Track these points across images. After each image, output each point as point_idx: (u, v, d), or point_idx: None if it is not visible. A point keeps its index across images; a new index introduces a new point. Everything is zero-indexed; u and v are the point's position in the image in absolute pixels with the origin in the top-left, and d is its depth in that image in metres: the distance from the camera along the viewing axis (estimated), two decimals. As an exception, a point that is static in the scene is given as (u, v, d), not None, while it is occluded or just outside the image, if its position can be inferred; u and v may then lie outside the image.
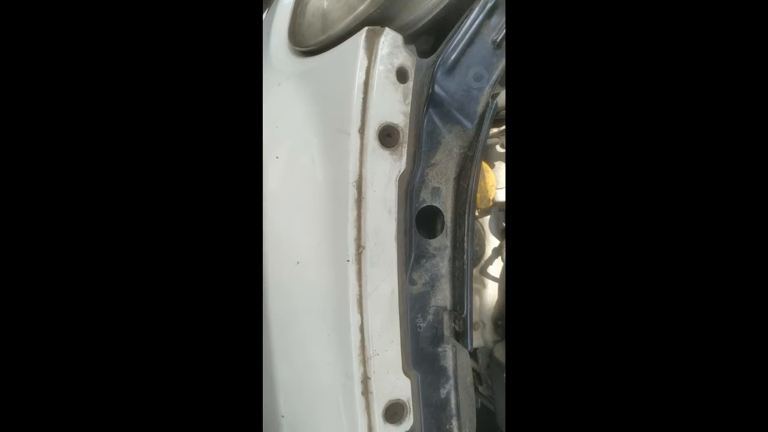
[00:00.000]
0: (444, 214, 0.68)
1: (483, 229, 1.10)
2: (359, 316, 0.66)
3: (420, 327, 0.69)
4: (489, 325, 1.10)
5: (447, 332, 0.71)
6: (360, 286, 0.65)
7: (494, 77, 0.68)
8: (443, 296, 0.70)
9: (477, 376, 1.20)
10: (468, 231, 0.65)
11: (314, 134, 0.68)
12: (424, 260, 0.68)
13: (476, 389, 1.16)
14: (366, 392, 0.67)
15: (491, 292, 1.12)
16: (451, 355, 0.71)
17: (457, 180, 0.68)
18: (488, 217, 1.10)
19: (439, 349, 0.70)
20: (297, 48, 0.80)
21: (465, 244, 0.65)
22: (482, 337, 1.11)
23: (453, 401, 0.72)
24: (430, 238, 0.67)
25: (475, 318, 1.13)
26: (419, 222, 0.67)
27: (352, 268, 0.65)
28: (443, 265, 0.69)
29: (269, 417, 0.73)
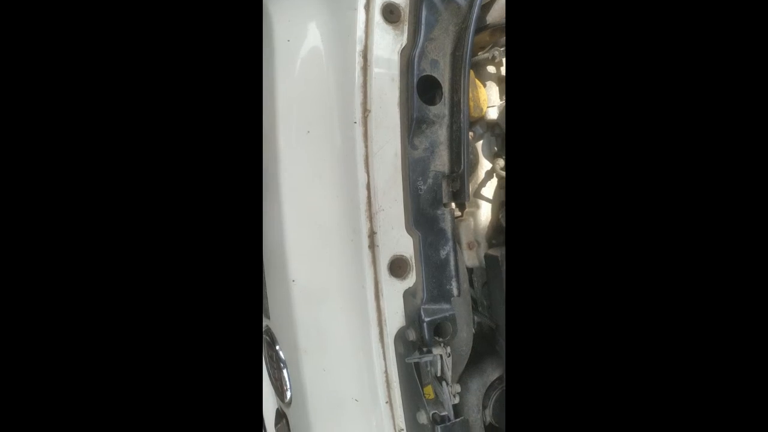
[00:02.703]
0: (442, 84, 0.75)
1: (476, 153, 1.17)
2: (366, 175, 0.72)
3: (421, 189, 0.75)
4: (483, 244, 1.16)
5: (446, 198, 0.77)
6: (366, 146, 0.72)
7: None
8: (442, 162, 0.76)
9: (474, 301, 1.25)
10: (464, 94, 0.72)
11: (325, 13, 0.75)
12: (425, 126, 0.74)
13: (474, 308, 1.21)
14: (372, 246, 0.73)
15: (485, 213, 1.18)
16: (449, 219, 0.77)
17: (453, 54, 0.75)
18: (480, 142, 1.18)
19: (438, 212, 0.77)
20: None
21: (461, 105, 0.72)
22: (477, 256, 1.17)
23: (452, 263, 0.78)
24: (430, 105, 0.74)
25: (470, 238, 1.19)
26: (420, 92, 0.74)
27: (359, 130, 0.72)
28: (442, 133, 0.76)
29: (280, 283, 0.78)
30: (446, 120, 0.76)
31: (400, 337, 0.75)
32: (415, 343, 0.77)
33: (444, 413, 0.77)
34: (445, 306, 0.77)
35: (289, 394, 0.89)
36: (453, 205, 0.78)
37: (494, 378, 1.11)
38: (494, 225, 1.18)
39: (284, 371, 0.88)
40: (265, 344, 0.96)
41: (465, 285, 0.80)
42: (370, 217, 0.72)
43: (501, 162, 1.12)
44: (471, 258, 1.17)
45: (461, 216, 1.18)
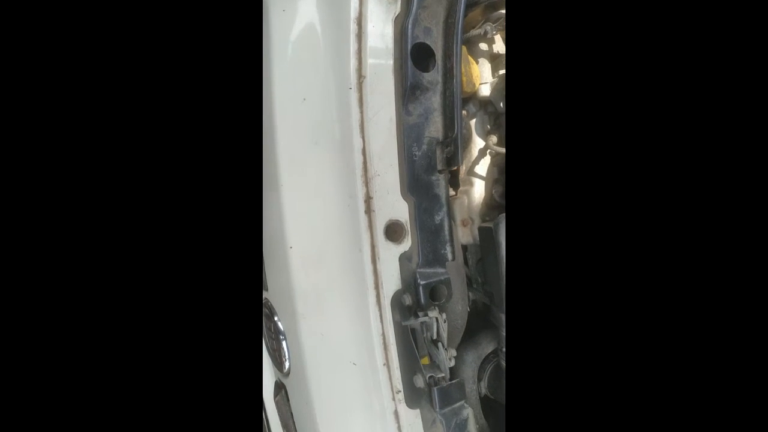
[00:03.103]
0: (435, 51, 0.76)
1: (469, 131, 1.19)
2: (361, 140, 0.73)
3: (415, 155, 0.77)
4: (477, 221, 1.18)
5: (440, 165, 0.79)
6: (361, 112, 0.73)
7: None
8: (436, 129, 0.78)
9: (468, 279, 1.27)
10: (456, 62, 0.74)
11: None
12: (419, 92, 0.76)
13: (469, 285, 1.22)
14: (368, 211, 0.74)
15: (478, 190, 1.20)
16: (443, 185, 0.79)
17: (445, 22, 0.77)
18: (474, 120, 1.19)
19: (433, 178, 0.78)
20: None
21: (454, 72, 0.74)
22: (471, 233, 1.19)
23: (446, 228, 0.79)
24: (423, 72, 0.76)
25: (464, 215, 1.20)
26: (413, 59, 0.75)
27: (354, 96, 0.73)
28: (435, 100, 0.77)
29: (278, 250, 0.79)
30: (439, 87, 0.77)
31: (397, 301, 0.77)
32: (411, 307, 0.78)
33: (441, 375, 0.78)
34: (440, 270, 0.79)
35: (287, 364, 0.91)
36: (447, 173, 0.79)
37: (489, 351, 1.13)
38: (488, 202, 1.20)
39: (283, 342, 0.89)
40: (264, 317, 0.97)
41: (459, 252, 0.82)
42: (366, 183, 0.74)
43: (494, 138, 1.14)
44: (465, 235, 1.19)
45: (455, 195, 1.19)
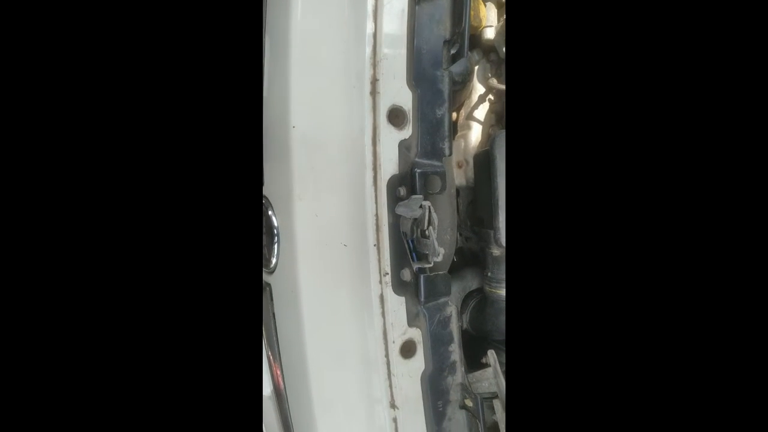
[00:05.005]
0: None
1: (471, 77, 1.23)
2: (373, 24, 0.76)
3: (423, 49, 0.80)
4: (471, 163, 1.21)
5: (445, 64, 0.82)
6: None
7: None
8: (444, 28, 0.81)
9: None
10: (469, -39, 0.78)
11: None
12: (431, -11, 0.79)
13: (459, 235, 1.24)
14: (374, 92, 0.77)
15: (475, 134, 1.23)
16: (447, 81, 0.82)
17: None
18: (476, 67, 1.24)
19: (438, 73, 0.81)
20: None
21: (467, -28, 0.78)
22: (464, 174, 1.22)
23: (446, 124, 0.82)
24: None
25: (460, 157, 1.23)
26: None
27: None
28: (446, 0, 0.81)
29: (279, 130, 0.80)
30: (452, -12, 0.81)
31: (392, 187, 0.78)
32: (405, 198, 0.80)
33: (428, 265, 0.79)
34: (437, 163, 0.81)
35: (274, 260, 0.91)
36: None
37: (473, 287, 1.14)
38: (483, 145, 1.23)
39: (274, 239, 0.90)
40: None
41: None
42: (374, 65, 0.76)
43: (494, 81, 1.18)
44: (459, 176, 1.22)
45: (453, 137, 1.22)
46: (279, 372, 0.96)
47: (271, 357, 0.98)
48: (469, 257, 1.26)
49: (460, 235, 1.27)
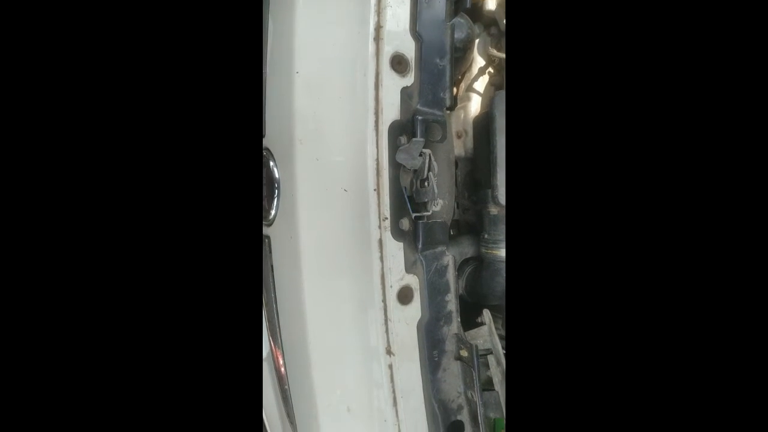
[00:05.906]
0: None
1: (472, 47, 1.25)
2: (379, -24, 0.78)
3: (426, 1, 0.81)
4: (471, 133, 1.22)
5: (448, 18, 0.83)
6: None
7: None
8: (448, -18, 0.83)
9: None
10: None
11: None
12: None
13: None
14: (378, 38, 0.78)
15: (475, 105, 1.25)
16: (450, 33, 0.83)
17: None
18: (477, 40, 1.26)
19: (441, 25, 0.83)
20: None
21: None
22: (463, 145, 1.23)
23: (448, 75, 0.83)
24: None
25: (459, 127, 1.25)
26: None
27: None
28: (451, -47, 0.83)
29: (282, 78, 0.81)
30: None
31: (393, 134, 0.79)
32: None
33: (427, 213, 0.80)
34: (438, 112, 0.82)
35: (273, 212, 0.91)
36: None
37: (470, 255, 1.15)
38: (481, 113, 1.25)
39: (275, 191, 0.90)
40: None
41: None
42: (379, 12, 0.78)
43: (494, 51, 1.20)
44: (458, 147, 1.23)
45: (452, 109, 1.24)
46: (277, 330, 0.96)
47: (267, 314, 0.98)
48: (465, 230, 1.27)
49: (458, 206, 1.28)
